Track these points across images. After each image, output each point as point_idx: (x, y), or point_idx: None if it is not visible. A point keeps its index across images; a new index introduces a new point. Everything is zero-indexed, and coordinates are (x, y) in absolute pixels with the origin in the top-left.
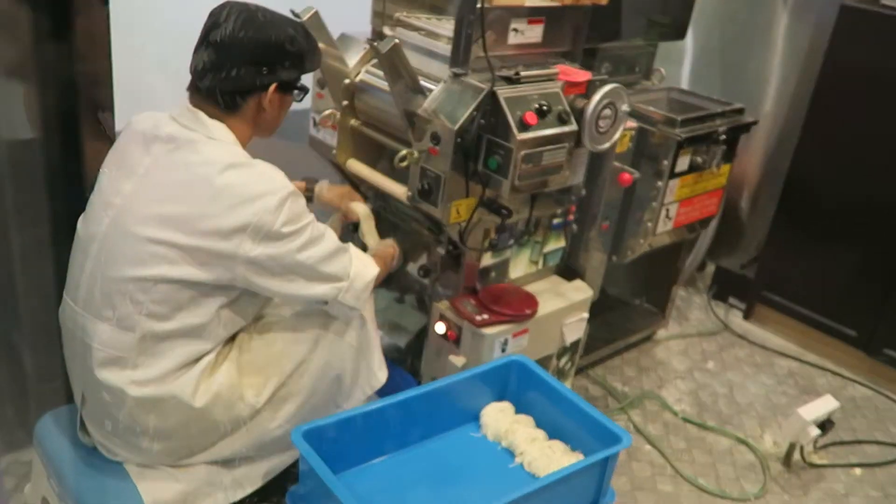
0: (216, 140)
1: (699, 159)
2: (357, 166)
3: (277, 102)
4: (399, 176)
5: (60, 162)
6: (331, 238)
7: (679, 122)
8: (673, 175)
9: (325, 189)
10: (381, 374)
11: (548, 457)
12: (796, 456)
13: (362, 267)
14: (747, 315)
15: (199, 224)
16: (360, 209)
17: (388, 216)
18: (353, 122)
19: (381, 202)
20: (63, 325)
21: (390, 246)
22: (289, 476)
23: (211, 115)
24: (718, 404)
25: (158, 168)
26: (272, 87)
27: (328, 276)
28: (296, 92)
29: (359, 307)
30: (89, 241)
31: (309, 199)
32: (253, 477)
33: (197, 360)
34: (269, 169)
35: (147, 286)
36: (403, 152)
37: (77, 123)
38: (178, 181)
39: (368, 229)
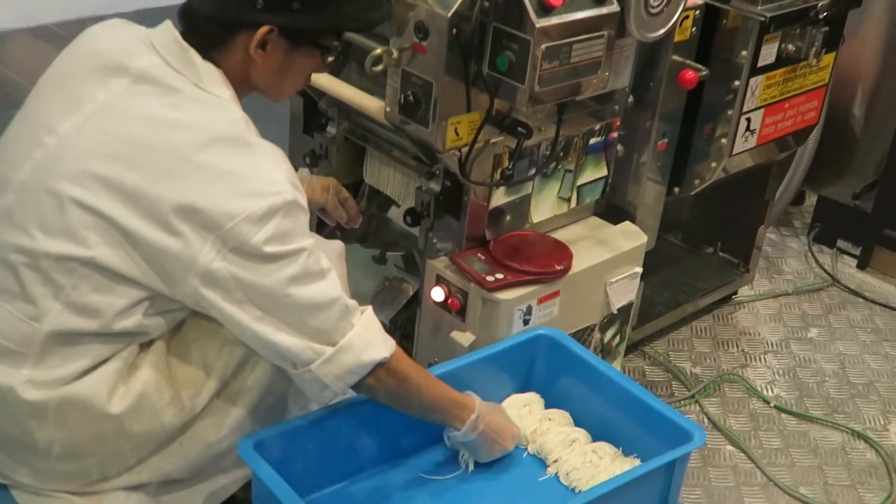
0: (208, 94)
1: (791, 47)
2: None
3: (278, 57)
4: (373, 86)
5: None
6: (333, 282)
7: None
8: (755, 71)
9: (309, 181)
10: None
11: (592, 464)
12: None
13: (365, 340)
14: (863, 263)
15: (156, 205)
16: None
17: (357, 142)
18: None
19: (347, 123)
20: None
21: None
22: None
23: (200, 53)
24: (826, 387)
25: (116, 111)
26: (263, 29)
27: (312, 330)
28: (320, 51)
29: (336, 390)
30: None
31: None
32: None
33: (119, 353)
34: (269, 157)
35: (72, 267)
36: (378, 51)
37: None
38: (141, 140)
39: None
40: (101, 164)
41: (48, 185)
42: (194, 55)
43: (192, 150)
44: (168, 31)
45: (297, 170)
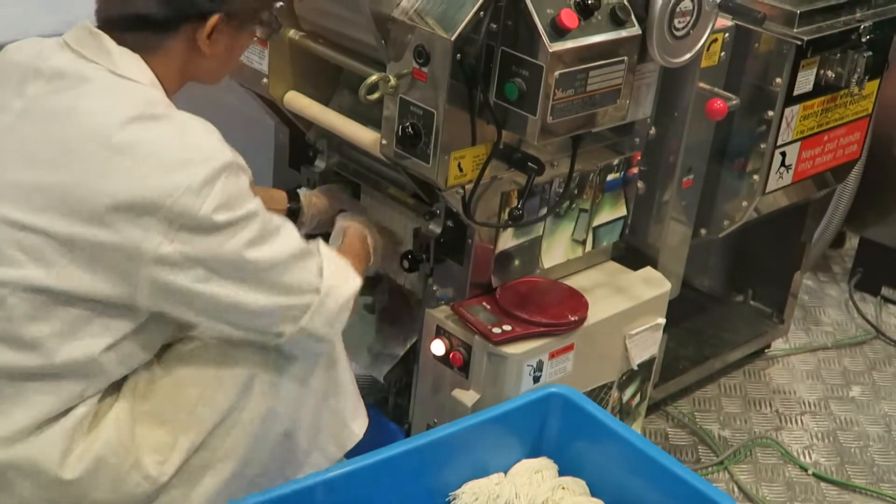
0: (123, 78)
1: (831, 73)
2: (301, 102)
3: (225, 43)
4: (367, 116)
5: None
6: (291, 234)
7: (798, 15)
8: (791, 100)
9: (308, 198)
10: (356, 427)
11: None
12: None
13: (339, 278)
14: None
15: (85, 201)
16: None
17: (349, 178)
18: (291, 32)
19: (338, 156)
20: None
21: (361, 232)
22: None
23: (121, 44)
24: (870, 452)
25: (32, 116)
26: (214, 18)
27: (287, 286)
28: (258, 27)
29: (330, 338)
30: None
31: (295, 216)
32: None
33: (70, 408)
34: (196, 125)
35: (1, 295)
36: (373, 78)
37: None
38: (59, 137)
39: None
40: (21, 172)
41: None
42: (108, 42)
43: (110, 133)
44: (81, 26)
45: (299, 188)
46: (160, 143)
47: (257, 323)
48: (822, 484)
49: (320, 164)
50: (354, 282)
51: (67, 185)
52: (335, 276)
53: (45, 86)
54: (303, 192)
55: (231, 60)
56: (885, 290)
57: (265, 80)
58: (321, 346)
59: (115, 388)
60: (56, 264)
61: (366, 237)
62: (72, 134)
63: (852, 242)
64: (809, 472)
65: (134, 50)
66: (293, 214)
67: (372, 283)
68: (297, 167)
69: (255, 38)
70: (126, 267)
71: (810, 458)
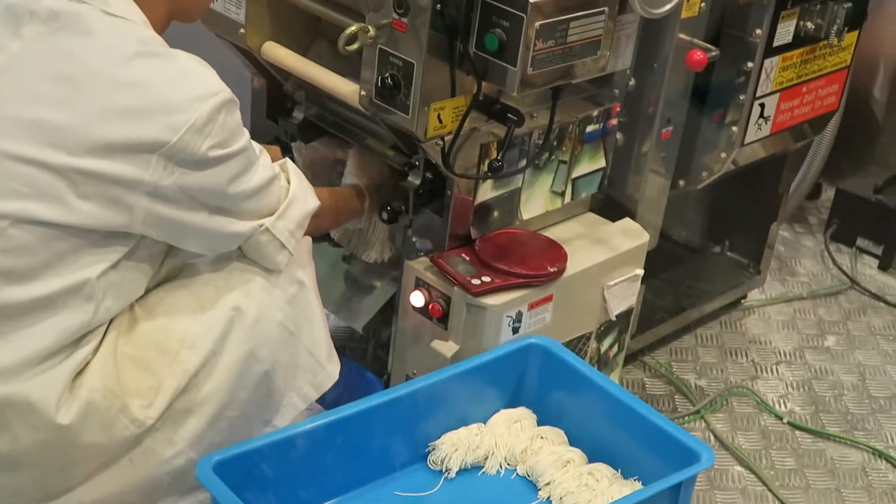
0: (116, 17)
1: (811, 25)
2: (279, 52)
3: None
4: (346, 66)
5: None
6: (265, 163)
7: None
8: (771, 51)
9: (308, 150)
10: (330, 368)
11: (588, 488)
12: None
13: (301, 193)
14: (886, 263)
15: (89, 135)
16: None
17: (327, 130)
18: None
19: (316, 108)
20: None
21: (356, 194)
22: None
23: None
24: (844, 401)
25: (31, 57)
26: None
27: (256, 211)
28: None
29: (290, 248)
30: None
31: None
32: None
33: (68, 350)
34: (194, 62)
35: (1, 227)
36: (352, 28)
37: None
38: (61, 75)
39: None
40: (23, 109)
41: None
42: None
43: (113, 70)
44: None
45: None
46: (163, 81)
47: (229, 244)
48: (797, 432)
49: (298, 115)
50: (313, 201)
51: (72, 121)
52: (300, 190)
53: (41, 27)
54: (296, 147)
55: None
56: (860, 241)
57: (242, 30)
58: (282, 255)
59: (101, 336)
60: (57, 197)
61: (358, 196)
62: (74, 72)
63: (828, 194)
64: (784, 420)
65: None
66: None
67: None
68: (275, 119)
69: None
70: (125, 198)
71: (785, 406)
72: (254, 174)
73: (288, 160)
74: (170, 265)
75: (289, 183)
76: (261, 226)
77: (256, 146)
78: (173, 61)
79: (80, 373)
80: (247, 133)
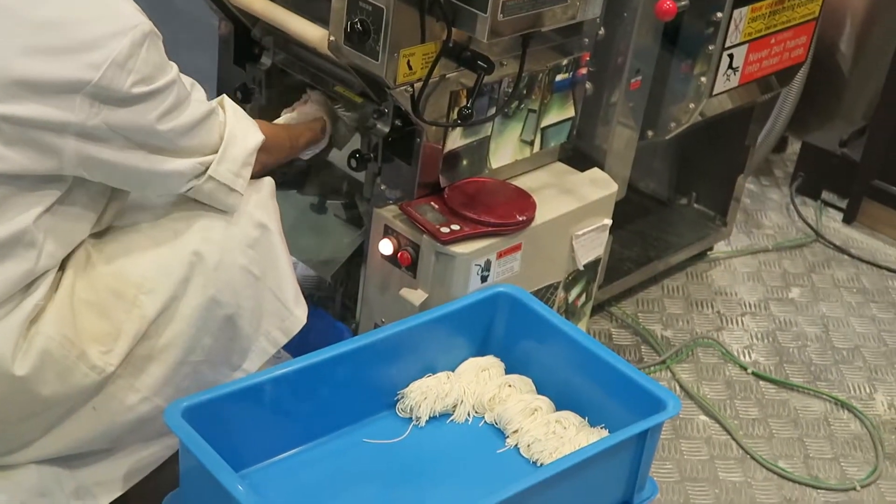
0: None
1: None
2: None
3: None
4: (314, 11)
5: None
6: (199, 98)
7: None
8: (741, 2)
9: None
10: (298, 312)
11: (556, 435)
12: None
13: (240, 129)
14: (850, 216)
15: (9, 79)
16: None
17: (295, 76)
18: None
19: (284, 54)
20: None
21: (315, 120)
22: (164, 477)
23: None
24: (807, 352)
25: None
26: None
27: (197, 146)
28: None
29: (239, 189)
30: None
31: None
32: (109, 481)
33: (16, 300)
34: None
35: None
36: None
37: None
38: None
39: None
40: None
41: None
42: None
43: (26, 8)
44: None
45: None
46: (79, 18)
47: (169, 184)
48: (761, 382)
49: (266, 61)
50: (256, 136)
51: None
52: (238, 127)
53: None
54: (284, 116)
55: None
56: (825, 195)
57: None
58: (232, 198)
59: (55, 282)
60: None
61: (318, 119)
62: None
63: (794, 147)
64: (749, 371)
65: None
66: None
67: (321, 183)
68: (243, 65)
69: None
70: (53, 141)
71: (750, 357)
72: (185, 109)
73: (225, 96)
74: (115, 208)
75: (224, 128)
76: (203, 169)
77: (187, 80)
78: None
79: (34, 321)
80: (174, 67)
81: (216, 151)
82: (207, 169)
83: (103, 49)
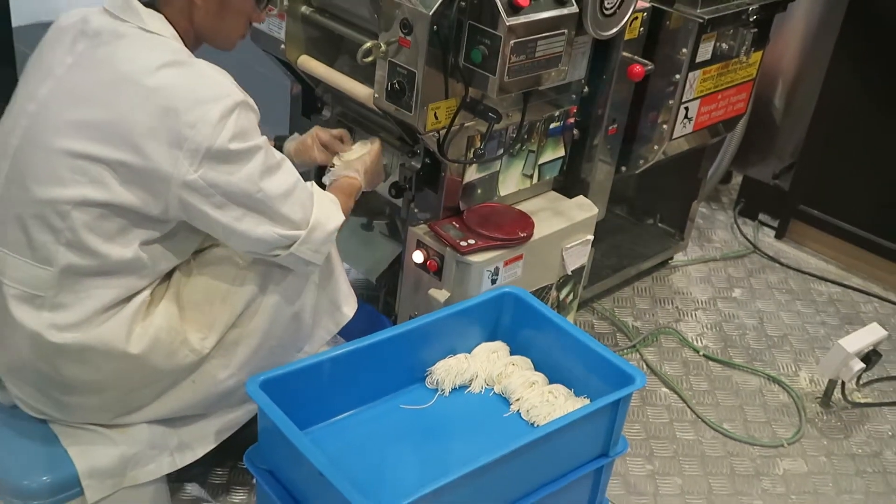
0: (151, 33)
1: (725, 46)
2: (311, 64)
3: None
4: (363, 75)
5: None
6: (290, 170)
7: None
8: (694, 66)
9: (295, 142)
10: (346, 309)
11: (549, 403)
12: (837, 394)
13: (324, 214)
14: (780, 233)
15: (127, 134)
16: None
17: (349, 125)
18: (304, 8)
19: (340, 107)
20: None
21: (357, 171)
22: (246, 435)
23: (147, 4)
24: (746, 338)
25: (80, 67)
26: None
27: (284, 218)
28: None
29: (317, 262)
30: (0, 158)
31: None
32: (203, 437)
33: (128, 298)
34: (212, 71)
35: (65, 210)
36: (368, 45)
37: None
38: (102, 81)
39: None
40: (75, 111)
41: (36, 142)
42: (136, 4)
43: (143, 77)
44: None
45: (287, 138)
46: (184, 84)
47: (257, 247)
48: (710, 363)
49: (326, 113)
50: (337, 219)
51: (111, 120)
52: (323, 213)
53: (88, 43)
54: (287, 141)
55: (228, 19)
56: (761, 216)
57: (283, 45)
58: (310, 268)
59: (164, 283)
60: (106, 184)
61: (361, 171)
62: (112, 78)
63: (737, 179)
64: (700, 353)
65: (155, 9)
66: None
67: (369, 208)
68: (308, 116)
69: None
70: (160, 188)
71: (702, 342)
72: (278, 175)
73: (314, 183)
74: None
75: (312, 210)
76: (288, 244)
77: (277, 153)
78: (194, 69)
79: (149, 313)
80: (263, 137)
81: (303, 228)
82: (292, 245)
83: (198, 110)
